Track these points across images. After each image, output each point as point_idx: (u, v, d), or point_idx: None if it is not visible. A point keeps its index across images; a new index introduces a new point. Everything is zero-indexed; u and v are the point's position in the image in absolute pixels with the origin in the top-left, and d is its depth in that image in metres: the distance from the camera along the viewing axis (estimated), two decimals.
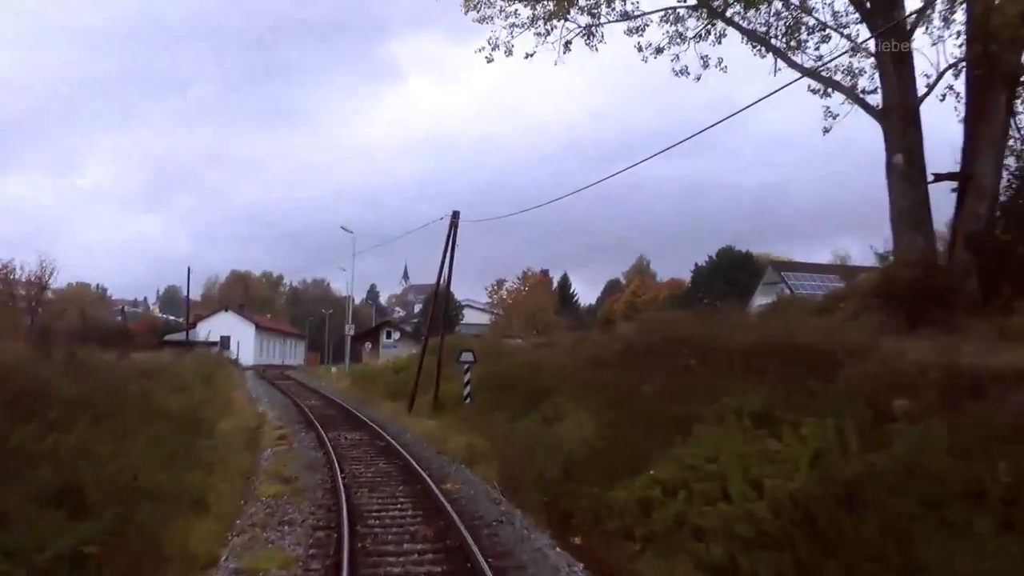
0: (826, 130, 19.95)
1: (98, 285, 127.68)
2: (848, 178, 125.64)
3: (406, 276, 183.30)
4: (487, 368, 27.53)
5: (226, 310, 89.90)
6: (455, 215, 28.15)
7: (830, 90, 19.50)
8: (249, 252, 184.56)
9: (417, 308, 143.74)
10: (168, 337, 75.19)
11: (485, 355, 28.14)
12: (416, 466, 16.01)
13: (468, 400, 26.31)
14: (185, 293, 77.82)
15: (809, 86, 19.59)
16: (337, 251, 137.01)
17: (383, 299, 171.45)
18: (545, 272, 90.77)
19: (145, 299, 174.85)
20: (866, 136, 28.56)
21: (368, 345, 71.89)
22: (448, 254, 28.06)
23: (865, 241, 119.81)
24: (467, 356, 27.74)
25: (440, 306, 31.02)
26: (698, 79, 20.65)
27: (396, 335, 75.93)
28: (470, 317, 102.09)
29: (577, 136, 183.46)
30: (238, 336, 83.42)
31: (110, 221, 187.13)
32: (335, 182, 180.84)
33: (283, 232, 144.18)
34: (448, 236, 27.98)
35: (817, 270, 61.16)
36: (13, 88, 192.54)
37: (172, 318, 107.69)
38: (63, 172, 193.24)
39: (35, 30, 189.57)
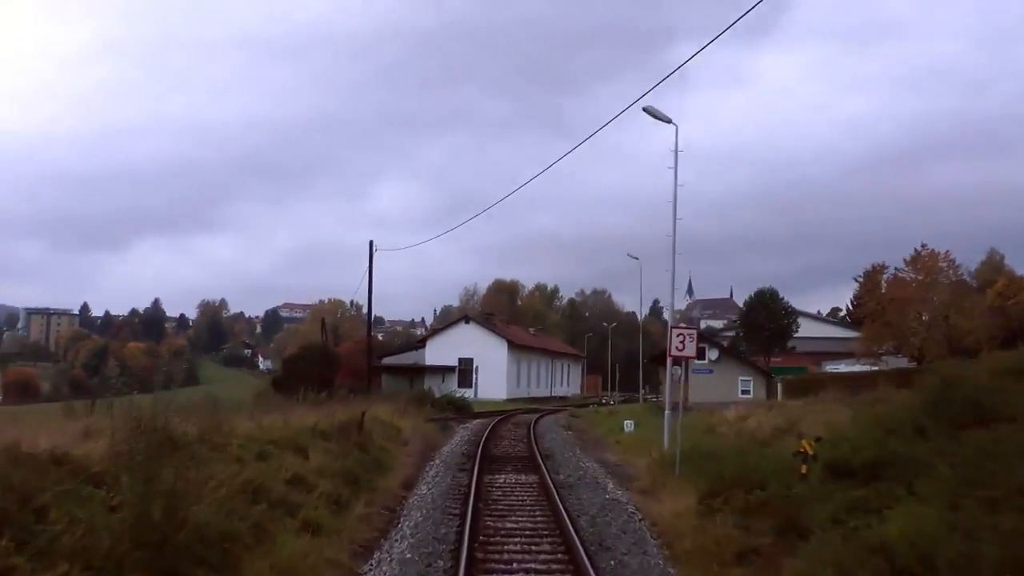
0: None
1: (352, 302, 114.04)
2: None
3: (690, 290, 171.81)
4: None
5: (466, 321, 63.94)
6: None
7: None
8: (526, 269, 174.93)
9: (704, 324, 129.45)
10: (388, 360, 53.97)
11: None
12: None
13: None
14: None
15: None
16: (620, 263, 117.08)
17: (665, 315, 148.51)
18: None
19: (423, 319, 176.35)
20: None
21: (676, 371, 46.13)
22: None
23: None
24: None
25: None
26: None
27: (714, 354, 49.88)
28: (807, 329, 73.83)
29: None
30: (483, 358, 58.13)
31: (394, 244, 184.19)
32: (616, 195, 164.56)
33: (564, 248, 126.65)
34: None
35: None
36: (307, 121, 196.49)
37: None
38: (353, 198, 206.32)
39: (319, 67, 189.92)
